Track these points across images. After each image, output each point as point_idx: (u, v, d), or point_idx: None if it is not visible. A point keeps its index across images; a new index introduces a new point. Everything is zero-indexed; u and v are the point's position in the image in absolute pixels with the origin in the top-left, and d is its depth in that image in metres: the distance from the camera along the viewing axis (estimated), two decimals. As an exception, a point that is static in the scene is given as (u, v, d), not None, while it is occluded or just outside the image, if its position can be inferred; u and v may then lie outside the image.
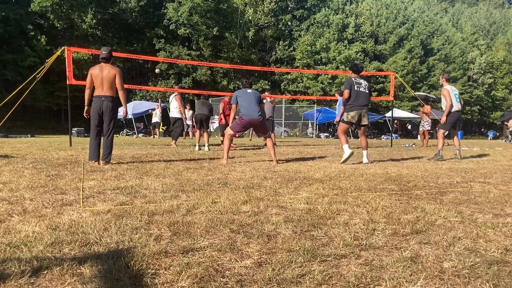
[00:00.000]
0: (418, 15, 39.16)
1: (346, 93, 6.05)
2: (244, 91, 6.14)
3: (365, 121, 6.15)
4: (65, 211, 2.57)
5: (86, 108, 5.42)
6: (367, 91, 6.09)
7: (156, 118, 18.03)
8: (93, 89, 5.39)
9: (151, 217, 2.45)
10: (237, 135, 6.47)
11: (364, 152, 6.31)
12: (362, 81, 6.14)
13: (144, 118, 24.44)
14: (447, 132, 7.46)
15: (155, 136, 18.37)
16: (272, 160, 6.10)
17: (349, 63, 33.03)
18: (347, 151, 6.01)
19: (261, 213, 2.62)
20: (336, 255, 1.81)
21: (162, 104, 17.14)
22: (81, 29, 27.41)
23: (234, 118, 6.27)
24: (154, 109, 18.41)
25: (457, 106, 7.17)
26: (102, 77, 5.24)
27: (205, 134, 9.30)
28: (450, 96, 7.09)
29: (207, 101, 9.80)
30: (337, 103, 11.05)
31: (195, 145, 9.48)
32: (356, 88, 6.01)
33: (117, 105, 5.40)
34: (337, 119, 10.91)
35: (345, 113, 6.15)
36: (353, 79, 6.08)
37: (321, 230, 2.21)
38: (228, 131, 6.23)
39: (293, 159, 7.00)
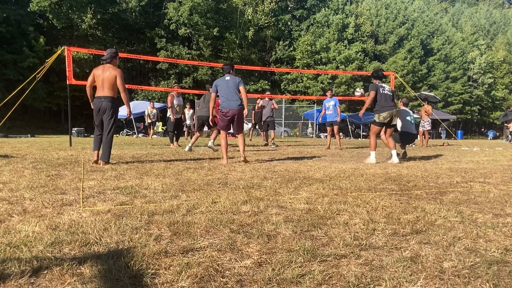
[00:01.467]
0: (418, 15, 39.12)
1: (372, 94, 6.27)
2: (223, 79, 5.87)
3: (395, 121, 6.44)
4: (65, 211, 2.57)
5: (92, 105, 5.58)
6: (390, 94, 6.37)
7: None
8: (95, 89, 5.49)
9: (151, 217, 2.45)
10: (228, 132, 6.34)
11: (393, 152, 6.42)
12: (385, 85, 6.45)
13: (144, 118, 24.41)
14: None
15: (152, 135, 18.35)
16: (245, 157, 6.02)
17: (349, 63, 33.12)
18: (373, 159, 6.21)
19: (261, 213, 2.62)
20: (336, 255, 1.81)
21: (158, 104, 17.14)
22: (80, 29, 27.38)
23: (214, 109, 6.14)
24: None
25: (410, 129, 7.46)
26: (103, 78, 5.33)
27: (214, 132, 9.33)
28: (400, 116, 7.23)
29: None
30: (333, 104, 10.76)
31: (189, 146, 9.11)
32: (381, 91, 6.27)
33: (117, 105, 5.45)
34: (338, 119, 10.86)
35: (376, 115, 6.31)
36: (378, 84, 6.36)
37: (321, 230, 2.21)
38: (220, 130, 6.18)
39: (293, 159, 7.01)
